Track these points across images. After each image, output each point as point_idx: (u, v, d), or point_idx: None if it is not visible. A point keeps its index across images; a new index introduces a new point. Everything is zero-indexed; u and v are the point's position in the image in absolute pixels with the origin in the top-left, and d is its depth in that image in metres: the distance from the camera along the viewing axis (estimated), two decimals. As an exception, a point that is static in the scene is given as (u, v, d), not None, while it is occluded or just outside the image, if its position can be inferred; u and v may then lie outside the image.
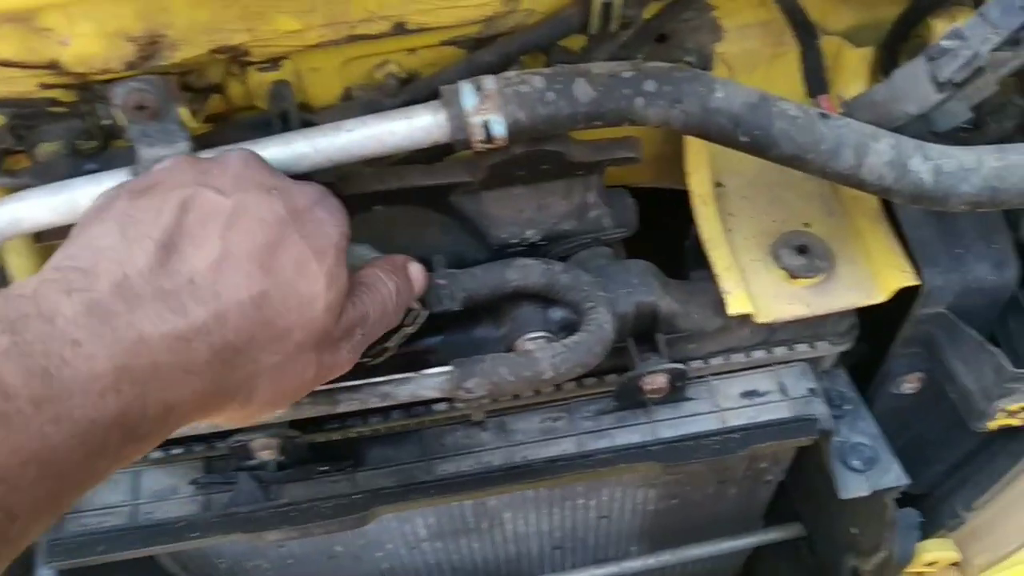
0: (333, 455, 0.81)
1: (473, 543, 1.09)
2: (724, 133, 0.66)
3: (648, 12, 0.72)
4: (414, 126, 0.65)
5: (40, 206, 0.65)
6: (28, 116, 0.69)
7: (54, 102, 0.69)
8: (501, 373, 0.69)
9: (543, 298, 0.75)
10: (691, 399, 0.83)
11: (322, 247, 0.55)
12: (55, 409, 0.40)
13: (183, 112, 0.65)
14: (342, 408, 0.71)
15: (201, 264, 0.49)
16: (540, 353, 0.70)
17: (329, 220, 0.57)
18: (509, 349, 0.76)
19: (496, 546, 1.10)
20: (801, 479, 1.04)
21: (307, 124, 0.72)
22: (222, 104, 0.72)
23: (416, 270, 0.68)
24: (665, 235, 0.88)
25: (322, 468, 0.80)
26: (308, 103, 0.73)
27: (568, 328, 0.76)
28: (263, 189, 0.56)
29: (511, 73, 0.66)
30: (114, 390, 0.43)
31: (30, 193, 0.65)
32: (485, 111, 0.65)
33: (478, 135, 0.65)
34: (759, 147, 0.66)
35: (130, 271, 0.47)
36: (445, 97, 0.65)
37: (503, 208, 0.77)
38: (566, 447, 0.81)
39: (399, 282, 0.64)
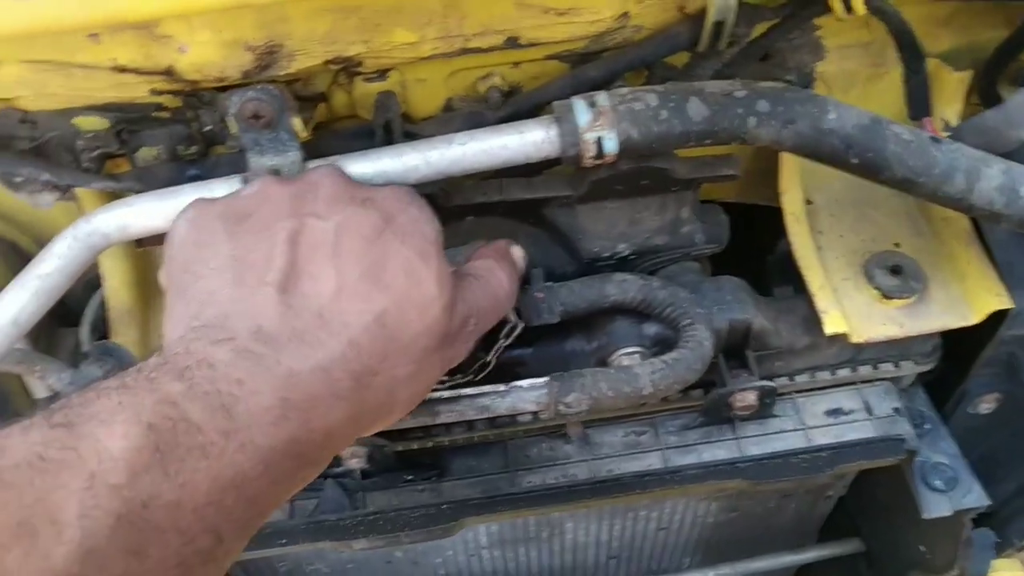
0: (418, 464, 0.81)
1: (531, 551, 1.08)
2: (835, 155, 0.66)
3: (755, 30, 0.71)
4: (526, 141, 0.65)
5: (150, 213, 0.65)
6: (132, 120, 0.69)
7: (160, 107, 0.69)
8: (601, 388, 0.69)
9: (636, 312, 0.75)
10: (776, 416, 0.83)
11: (424, 248, 0.55)
12: (240, 438, 0.43)
13: (296, 122, 0.65)
14: (441, 420, 0.71)
15: (323, 297, 0.50)
16: (639, 369, 0.70)
17: (423, 218, 0.58)
18: (601, 363, 0.76)
19: (553, 555, 1.10)
20: (863, 494, 1.04)
21: (409, 135, 0.72)
22: (325, 113, 0.71)
23: (518, 252, 0.70)
24: (739, 248, 0.88)
25: (408, 477, 0.80)
26: (410, 113, 0.73)
27: (661, 344, 0.76)
28: (356, 203, 0.56)
29: (624, 89, 0.66)
30: (283, 418, 0.45)
31: (140, 199, 0.65)
32: (598, 128, 0.64)
33: (590, 151, 0.65)
34: (870, 170, 0.66)
35: (262, 321, 0.49)
36: (558, 113, 0.65)
37: (596, 222, 0.77)
38: (651, 462, 0.81)
39: (509, 269, 0.66)
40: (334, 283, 0.51)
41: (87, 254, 0.65)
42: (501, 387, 0.71)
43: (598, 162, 0.66)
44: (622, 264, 0.80)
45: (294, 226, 0.53)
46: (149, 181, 0.70)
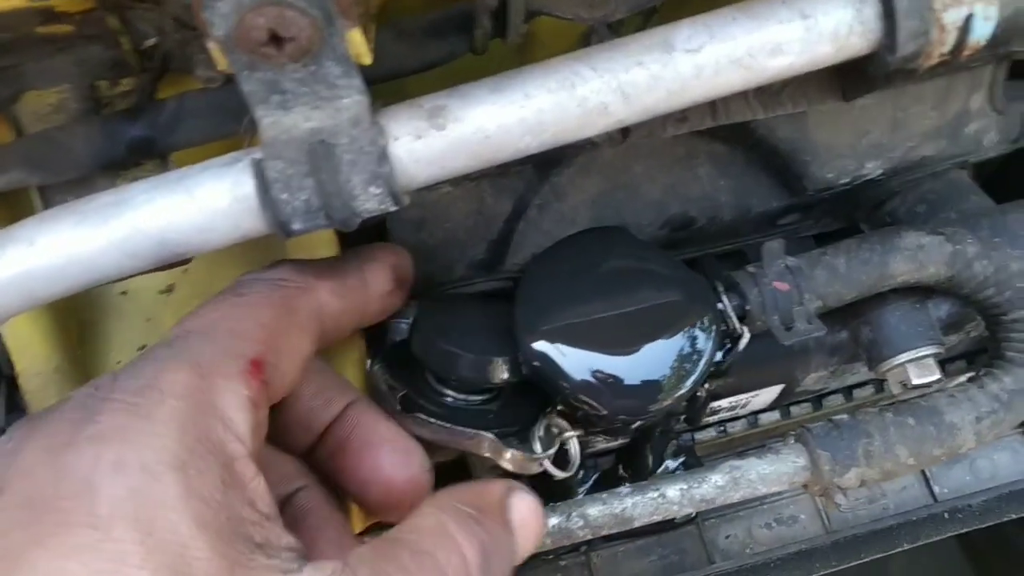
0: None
1: None
2: None
3: None
4: (817, 32, 0.32)
5: (67, 255, 0.31)
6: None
7: (49, 16, 0.33)
8: (898, 456, 0.41)
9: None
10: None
11: None
12: None
13: (353, 37, 0.30)
14: (636, 525, 0.42)
15: None
16: (956, 414, 0.41)
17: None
18: (852, 359, 0.48)
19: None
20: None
21: (533, 15, 0.38)
22: (376, -8, 0.36)
23: (527, 511, 0.35)
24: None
25: (546, 553, 0.52)
26: (532, -25, 0.38)
27: (951, 328, 0.47)
28: None
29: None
30: None
31: (39, 225, 0.32)
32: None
33: (944, 43, 0.33)
34: None
35: None
36: (883, -32, 0.32)
37: (837, 131, 0.46)
38: (906, 484, 0.53)
39: (486, 540, 0.33)
40: None
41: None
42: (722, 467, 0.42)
43: (944, 59, 0.34)
44: (858, 192, 0.49)
45: None
46: (52, 162, 0.36)
